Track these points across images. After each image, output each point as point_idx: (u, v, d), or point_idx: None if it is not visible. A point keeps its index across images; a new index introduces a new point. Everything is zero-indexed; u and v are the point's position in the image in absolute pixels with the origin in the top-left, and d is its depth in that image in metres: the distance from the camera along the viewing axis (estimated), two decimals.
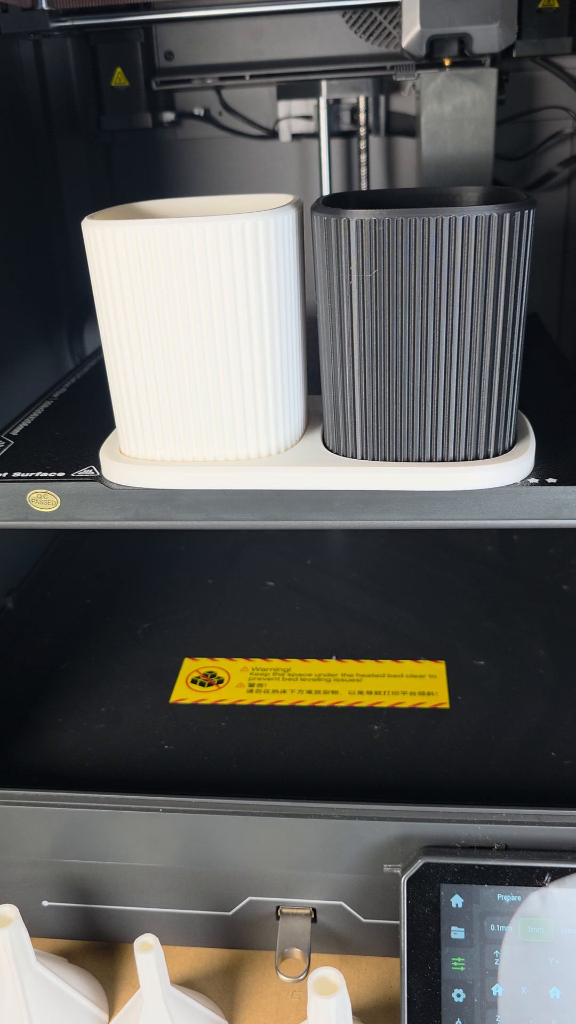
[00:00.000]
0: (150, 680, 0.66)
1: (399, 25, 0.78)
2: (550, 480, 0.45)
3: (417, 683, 0.64)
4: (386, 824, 0.50)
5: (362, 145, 0.87)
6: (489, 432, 0.44)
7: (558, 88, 0.86)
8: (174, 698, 0.64)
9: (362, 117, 0.85)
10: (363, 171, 0.88)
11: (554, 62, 0.83)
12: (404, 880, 0.49)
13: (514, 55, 0.78)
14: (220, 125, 0.90)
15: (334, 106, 0.86)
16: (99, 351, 0.75)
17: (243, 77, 0.85)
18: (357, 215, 0.40)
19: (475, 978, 0.47)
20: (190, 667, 0.67)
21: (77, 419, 0.58)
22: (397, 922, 0.52)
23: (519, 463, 0.45)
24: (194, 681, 0.66)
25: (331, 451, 0.47)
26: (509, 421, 0.45)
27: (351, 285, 0.42)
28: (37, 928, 0.57)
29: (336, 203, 0.44)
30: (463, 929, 0.48)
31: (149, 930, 0.56)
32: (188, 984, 0.54)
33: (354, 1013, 0.50)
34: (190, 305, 0.43)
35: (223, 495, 0.47)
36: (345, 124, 0.87)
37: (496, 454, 0.45)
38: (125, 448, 0.48)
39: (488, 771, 0.56)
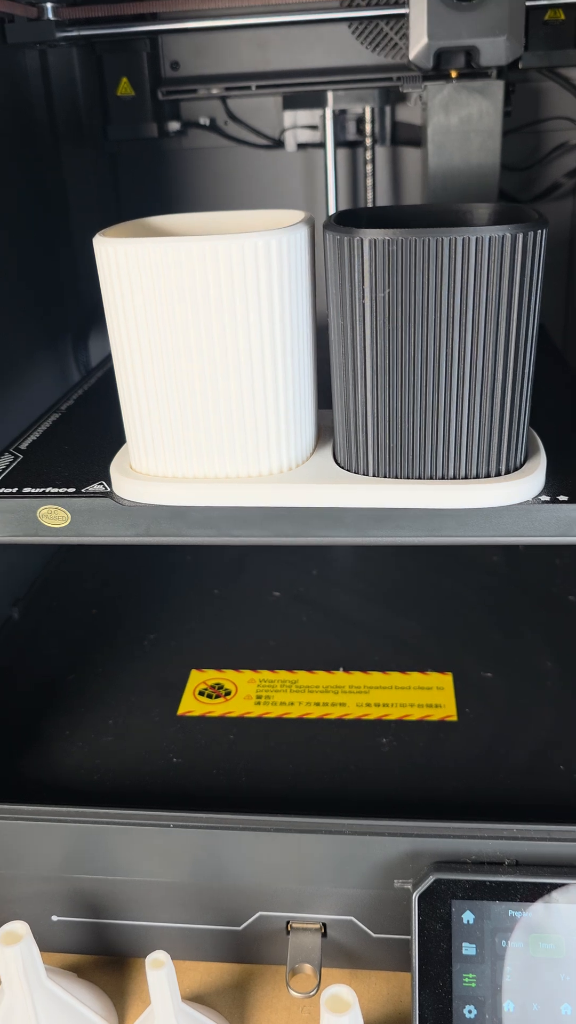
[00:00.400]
0: (157, 692, 0.66)
1: (405, 36, 0.78)
2: (561, 498, 0.45)
3: (425, 695, 0.64)
4: (397, 840, 0.50)
5: (368, 155, 0.87)
6: (500, 450, 0.44)
7: (564, 99, 0.86)
8: (181, 710, 0.64)
9: (368, 127, 0.86)
10: (369, 181, 0.88)
11: (560, 73, 0.84)
12: (415, 896, 0.49)
13: (520, 67, 0.78)
14: (226, 135, 0.90)
15: (340, 116, 0.86)
16: (105, 362, 0.75)
17: (249, 87, 0.85)
18: (370, 235, 0.40)
19: (486, 994, 0.47)
20: (197, 679, 0.67)
21: (86, 432, 0.58)
22: (408, 937, 0.52)
23: (530, 481, 0.45)
24: (201, 693, 0.65)
25: (342, 468, 0.47)
26: (520, 439, 0.45)
27: (364, 304, 0.42)
28: (47, 943, 0.57)
29: (347, 220, 0.44)
30: (474, 945, 0.48)
31: (159, 945, 0.56)
32: (198, 999, 0.54)
33: None
34: (202, 322, 0.43)
35: (234, 512, 0.47)
36: (351, 134, 0.88)
37: (507, 471, 0.45)
38: (136, 464, 0.48)
39: (497, 785, 0.56)
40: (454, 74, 0.73)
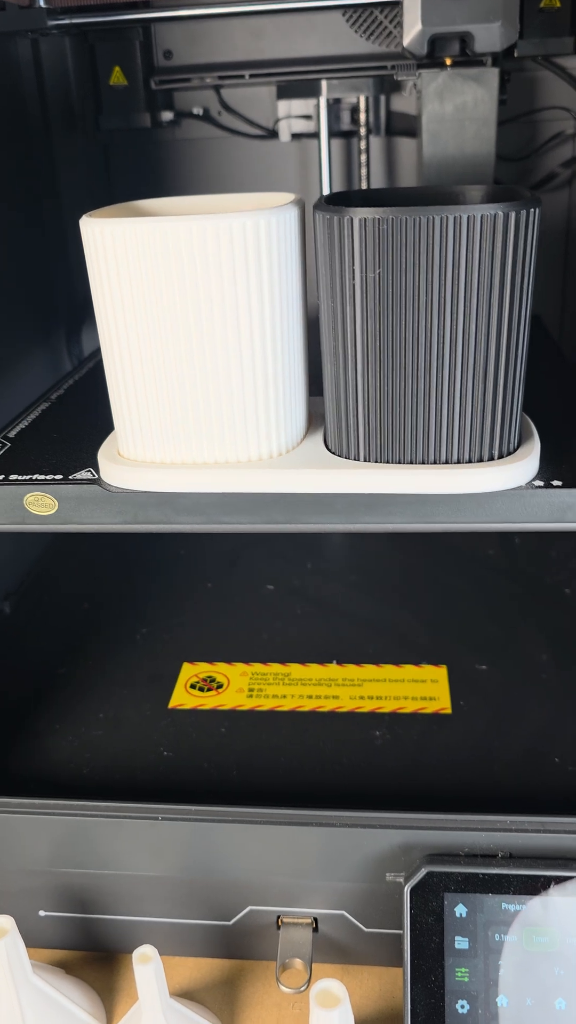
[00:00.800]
0: (149, 685, 0.65)
1: (400, 24, 0.77)
2: (555, 483, 0.44)
3: (419, 688, 0.63)
4: (389, 832, 0.50)
5: (362, 145, 0.86)
6: (493, 434, 0.43)
7: (560, 88, 0.85)
8: (173, 703, 0.63)
9: (362, 117, 0.85)
10: (363, 171, 0.87)
11: (556, 62, 0.83)
12: (407, 889, 0.48)
13: (516, 55, 0.77)
14: (219, 125, 0.90)
15: (334, 106, 0.85)
16: (97, 352, 0.75)
17: (243, 76, 0.85)
18: (361, 213, 0.39)
19: (479, 989, 0.47)
20: (189, 672, 0.66)
21: (75, 421, 0.57)
22: (400, 932, 0.51)
23: (524, 466, 0.44)
24: (193, 686, 0.65)
25: (333, 453, 0.46)
26: (513, 423, 0.44)
27: (354, 285, 0.41)
28: (34, 939, 0.56)
29: (338, 202, 0.43)
30: (467, 939, 0.47)
31: (148, 940, 0.55)
32: (187, 995, 0.53)
33: None
34: (190, 305, 0.42)
35: (223, 498, 0.46)
36: (345, 124, 0.87)
37: (500, 456, 0.44)
38: (124, 450, 0.48)
39: (491, 777, 0.55)
40: (449, 61, 0.72)
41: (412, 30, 0.66)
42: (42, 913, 0.55)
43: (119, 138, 0.91)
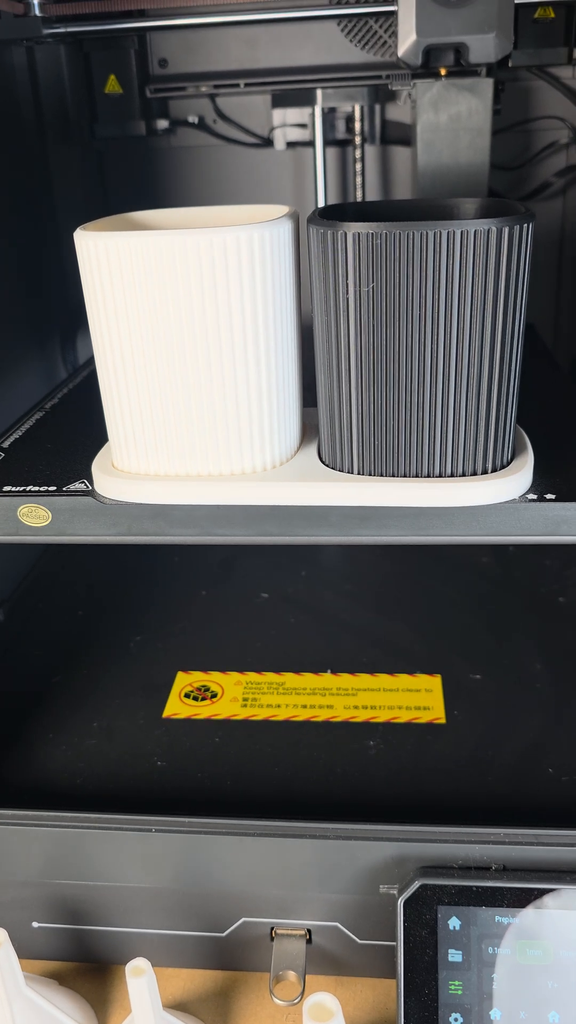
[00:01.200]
0: (143, 694, 0.65)
1: (395, 34, 0.77)
2: (548, 496, 0.44)
3: (413, 697, 0.63)
4: (382, 844, 0.50)
5: (357, 154, 0.86)
6: (487, 448, 0.44)
7: (554, 98, 0.86)
8: (167, 713, 0.63)
9: (357, 126, 0.85)
10: (358, 180, 0.87)
11: (550, 72, 0.83)
12: (401, 902, 0.48)
13: (510, 65, 0.78)
14: (214, 133, 0.90)
15: (329, 115, 0.86)
16: (92, 361, 0.74)
17: (238, 85, 0.85)
18: (354, 228, 0.39)
19: (473, 1002, 0.47)
20: (183, 681, 0.66)
21: (69, 430, 0.57)
22: (393, 944, 0.51)
23: (517, 479, 0.44)
24: (187, 695, 0.65)
25: (327, 466, 0.46)
26: (507, 436, 0.44)
27: (348, 298, 0.41)
28: (27, 950, 0.56)
29: (332, 215, 0.43)
30: (460, 952, 0.47)
31: (141, 952, 0.55)
32: (181, 1007, 0.53)
33: None
34: (184, 318, 0.42)
35: (217, 510, 0.46)
36: (340, 133, 0.87)
37: (494, 469, 0.44)
38: (118, 462, 0.48)
39: (485, 788, 0.55)
40: (443, 72, 0.72)
41: (407, 40, 0.66)
42: (35, 924, 0.55)
43: (114, 146, 0.91)
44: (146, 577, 0.81)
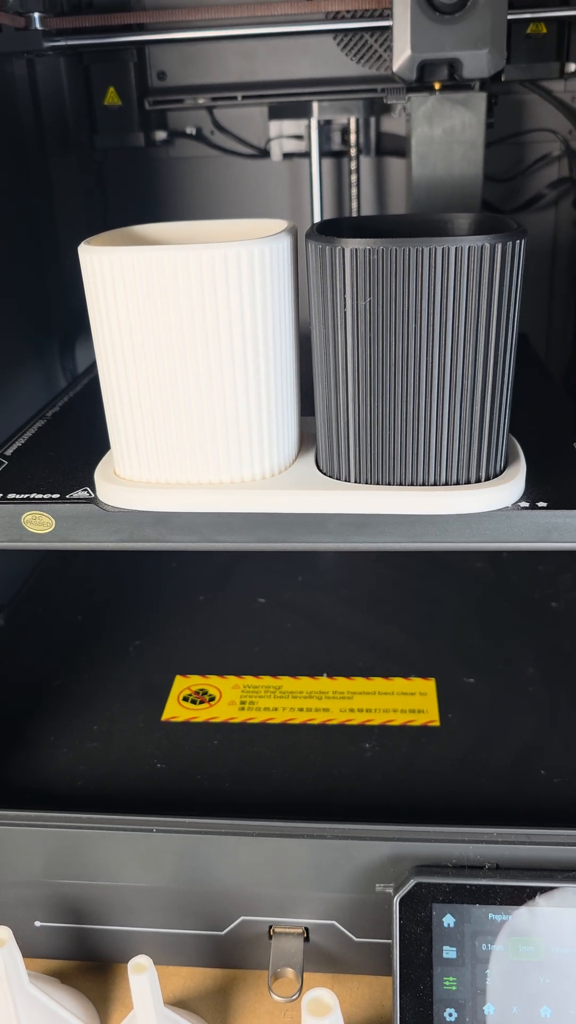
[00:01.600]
0: (142, 698, 0.66)
1: (390, 48, 0.79)
2: (540, 504, 0.46)
3: (408, 701, 0.64)
4: (378, 844, 0.51)
5: (353, 165, 0.88)
6: (480, 457, 0.45)
7: (546, 111, 0.87)
8: (166, 716, 0.64)
9: (353, 138, 0.86)
10: (354, 191, 0.88)
11: (542, 86, 0.85)
12: (396, 900, 0.49)
13: (503, 79, 0.79)
14: (212, 144, 0.91)
15: (325, 127, 0.87)
16: (91, 368, 0.76)
17: (235, 97, 0.86)
18: (352, 244, 0.41)
19: (467, 997, 0.48)
20: (181, 684, 0.67)
21: (70, 438, 0.58)
22: (389, 941, 0.52)
23: (510, 487, 0.45)
24: (186, 699, 0.66)
25: (325, 474, 0.47)
26: (500, 446, 0.45)
27: (345, 312, 0.42)
28: (30, 949, 0.57)
29: (329, 230, 0.44)
30: (455, 948, 0.48)
31: (142, 950, 0.56)
32: (181, 1004, 0.54)
33: None
34: (186, 330, 0.43)
35: (217, 518, 0.47)
36: (336, 144, 0.88)
37: (487, 478, 0.45)
38: (120, 470, 0.49)
39: (478, 789, 0.56)
40: (437, 86, 0.74)
41: (402, 56, 0.67)
42: (38, 924, 0.56)
43: (113, 156, 0.92)
44: (144, 582, 0.82)
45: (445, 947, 0.48)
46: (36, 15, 0.76)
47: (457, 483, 0.45)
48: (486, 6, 0.64)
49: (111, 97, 0.86)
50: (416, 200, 0.77)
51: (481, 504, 0.45)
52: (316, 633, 0.73)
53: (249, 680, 0.67)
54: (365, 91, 0.84)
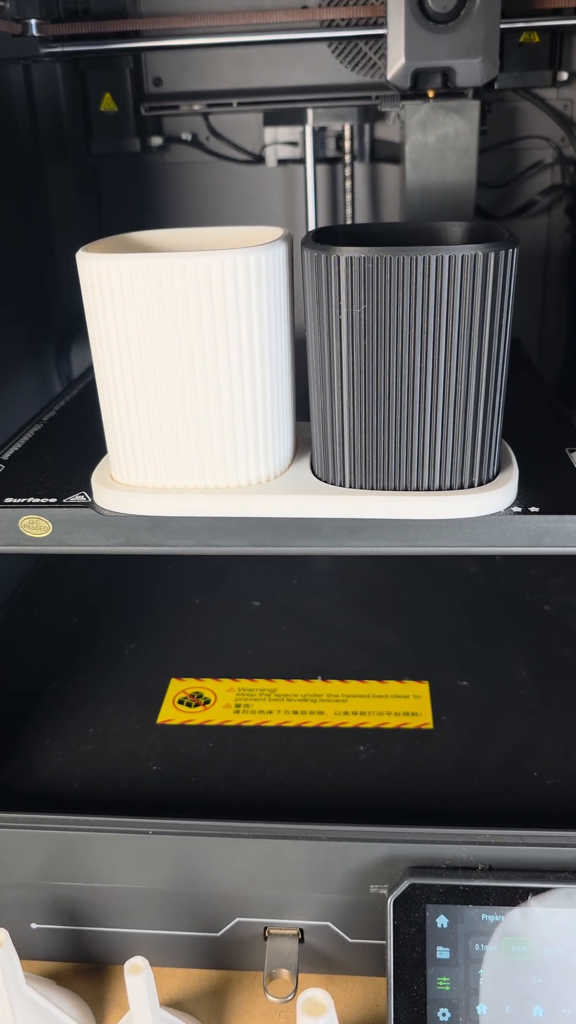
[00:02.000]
0: (137, 700, 0.66)
1: (384, 56, 0.79)
2: (532, 509, 0.46)
3: (401, 703, 0.65)
4: (373, 845, 0.51)
5: (347, 171, 0.88)
6: (474, 462, 0.45)
7: (539, 119, 0.88)
8: (161, 719, 0.64)
9: (347, 144, 0.87)
10: (348, 197, 0.89)
11: (535, 93, 0.85)
12: (390, 901, 0.49)
13: (496, 87, 0.80)
14: (207, 150, 0.92)
15: (320, 133, 0.88)
16: (86, 373, 0.76)
17: (230, 104, 0.87)
18: (347, 252, 0.41)
19: (460, 997, 0.48)
20: (177, 687, 0.68)
21: (67, 443, 0.59)
22: (383, 942, 0.53)
23: (503, 493, 0.46)
24: (181, 702, 0.66)
25: (319, 479, 0.48)
26: (493, 452, 0.46)
27: (340, 319, 0.43)
28: (26, 951, 0.57)
29: (324, 237, 0.45)
30: (448, 949, 0.49)
31: (137, 951, 0.56)
32: (176, 1005, 0.55)
33: None
34: (182, 337, 0.44)
35: (213, 522, 0.47)
36: (330, 151, 0.89)
37: (480, 483, 0.46)
38: (117, 474, 0.49)
39: (472, 791, 0.57)
40: (431, 94, 0.74)
41: (396, 64, 0.68)
42: (34, 925, 0.57)
43: (109, 162, 0.93)
44: (139, 585, 0.82)
45: (439, 947, 0.49)
46: (33, 21, 0.77)
47: (451, 488, 0.46)
48: (479, 15, 0.65)
49: (107, 103, 0.86)
50: (410, 206, 0.78)
51: (475, 509, 0.45)
52: (310, 636, 0.73)
53: (244, 683, 0.68)
54: (359, 98, 0.85)
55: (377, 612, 0.76)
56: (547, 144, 0.89)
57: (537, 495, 0.48)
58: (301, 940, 0.54)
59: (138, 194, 0.94)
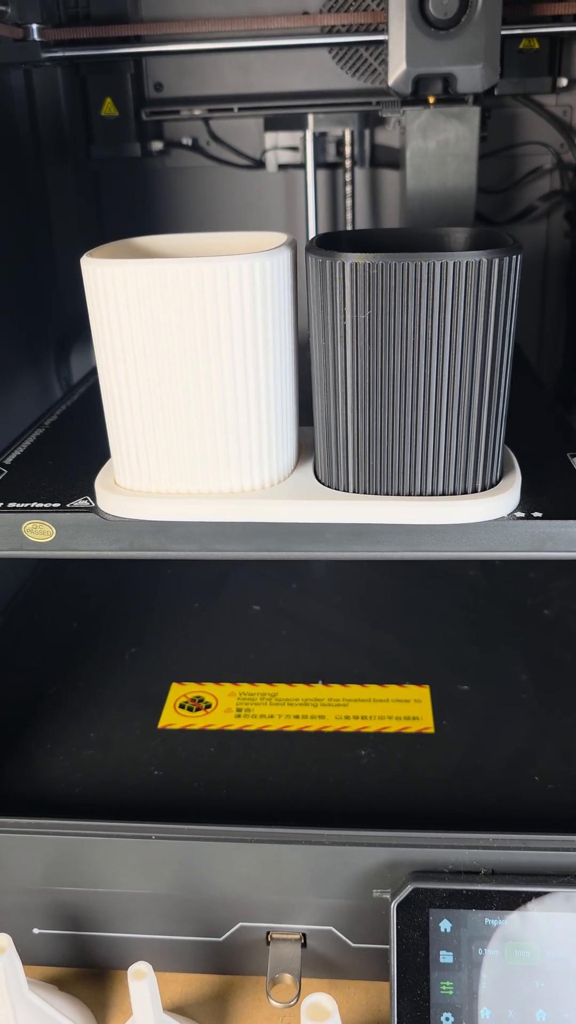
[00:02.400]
0: (138, 705, 0.66)
1: (384, 62, 0.80)
2: (535, 514, 0.46)
3: (402, 708, 0.65)
4: (375, 850, 0.51)
5: (347, 177, 0.88)
6: (477, 468, 0.45)
7: (538, 125, 0.88)
8: (162, 723, 0.64)
9: (347, 149, 0.87)
10: (348, 202, 0.89)
11: (535, 100, 0.86)
12: (393, 905, 0.49)
13: (496, 93, 0.80)
14: (208, 155, 0.92)
15: (320, 138, 0.88)
16: (88, 377, 0.76)
17: (231, 109, 0.87)
18: (352, 259, 0.41)
19: (463, 1002, 0.48)
20: (178, 692, 0.68)
21: (69, 447, 0.59)
22: (386, 947, 0.53)
23: (506, 498, 0.46)
24: (182, 706, 0.66)
25: (323, 484, 0.48)
26: (496, 457, 0.46)
27: (345, 325, 0.43)
28: (28, 956, 0.57)
29: (328, 243, 0.45)
30: (451, 953, 0.49)
31: (140, 957, 0.56)
32: (179, 1010, 0.55)
33: None
34: (187, 342, 0.44)
35: (217, 527, 0.47)
36: (331, 156, 0.89)
37: (483, 488, 0.46)
38: (120, 479, 0.49)
39: (473, 796, 0.57)
40: (432, 100, 0.74)
41: (397, 70, 0.68)
42: (36, 931, 0.56)
43: (109, 167, 0.93)
44: (140, 590, 0.82)
45: (442, 952, 0.49)
46: (34, 26, 0.77)
47: (454, 493, 0.46)
48: (480, 22, 0.65)
49: (108, 108, 0.86)
50: (410, 212, 0.78)
51: (478, 514, 0.45)
52: (311, 640, 0.73)
53: (245, 687, 0.68)
54: (360, 104, 0.85)
55: (378, 616, 0.76)
56: (546, 150, 0.89)
57: (539, 500, 0.48)
58: (304, 945, 0.54)
59: (138, 199, 0.94)
